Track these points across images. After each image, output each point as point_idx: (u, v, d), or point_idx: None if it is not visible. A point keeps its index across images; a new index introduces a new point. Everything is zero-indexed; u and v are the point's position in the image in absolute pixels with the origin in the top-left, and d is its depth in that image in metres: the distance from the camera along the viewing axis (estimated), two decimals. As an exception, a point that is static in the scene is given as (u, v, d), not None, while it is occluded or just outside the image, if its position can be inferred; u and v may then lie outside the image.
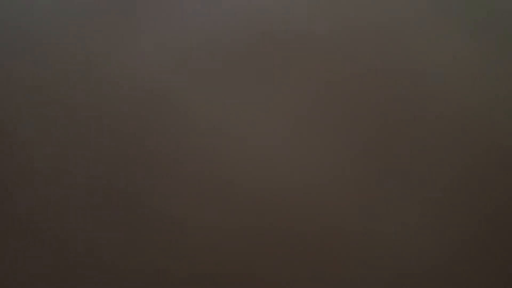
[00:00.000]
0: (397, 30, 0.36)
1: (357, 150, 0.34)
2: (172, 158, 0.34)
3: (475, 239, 0.33)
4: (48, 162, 0.34)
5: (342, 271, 0.32)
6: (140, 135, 0.34)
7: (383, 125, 0.34)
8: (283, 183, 0.33)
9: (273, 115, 0.34)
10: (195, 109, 0.34)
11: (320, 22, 0.36)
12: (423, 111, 0.34)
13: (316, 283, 0.32)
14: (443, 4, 0.36)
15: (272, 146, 0.34)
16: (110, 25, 0.36)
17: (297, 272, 0.32)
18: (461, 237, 0.33)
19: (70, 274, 0.32)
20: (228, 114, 0.34)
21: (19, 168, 0.34)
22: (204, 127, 0.34)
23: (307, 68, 0.35)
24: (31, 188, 0.33)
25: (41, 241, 0.33)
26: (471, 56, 0.35)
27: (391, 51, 0.35)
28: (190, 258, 0.32)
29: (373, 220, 0.33)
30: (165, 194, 0.33)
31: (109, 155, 0.34)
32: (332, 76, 0.35)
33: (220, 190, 0.33)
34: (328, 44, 0.35)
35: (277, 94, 0.35)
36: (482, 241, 0.33)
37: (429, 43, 0.35)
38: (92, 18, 0.36)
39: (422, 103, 0.35)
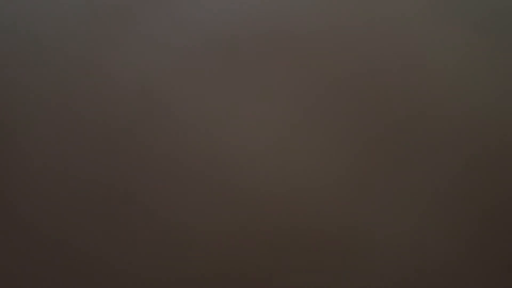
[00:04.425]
0: (399, 28, 0.36)
1: (358, 150, 0.34)
2: (172, 159, 0.34)
3: (477, 239, 0.33)
4: (48, 162, 0.34)
5: (343, 271, 0.32)
6: (139, 135, 0.34)
7: (385, 125, 0.34)
8: (284, 183, 0.33)
9: (273, 115, 0.34)
10: (196, 109, 0.34)
11: (320, 21, 0.36)
12: (425, 110, 0.34)
13: (317, 283, 0.32)
14: (446, 3, 0.36)
15: (272, 146, 0.34)
16: (109, 25, 0.36)
17: (298, 272, 0.32)
18: (462, 237, 0.33)
19: (70, 274, 0.32)
20: (227, 114, 0.34)
21: (19, 168, 0.34)
22: (204, 128, 0.34)
23: (307, 68, 0.35)
24: (31, 188, 0.33)
25: (41, 241, 0.33)
26: (474, 54, 0.35)
27: (392, 50, 0.35)
28: (190, 259, 0.32)
29: (374, 220, 0.33)
30: (164, 194, 0.33)
31: (109, 155, 0.34)
32: (333, 75, 0.35)
33: (219, 190, 0.33)
34: (329, 44, 0.35)
35: (277, 93, 0.35)
36: (484, 241, 0.33)
37: (431, 42, 0.35)
38: (91, 18, 0.36)
39: (423, 102, 0.35)
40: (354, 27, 0.36)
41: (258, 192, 0.33)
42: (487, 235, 0.33)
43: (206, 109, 0.34)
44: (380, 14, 0.36)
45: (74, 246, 0.33)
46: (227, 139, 0.34)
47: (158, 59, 0.35)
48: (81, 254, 0.33)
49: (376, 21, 0.36)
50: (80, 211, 0.33)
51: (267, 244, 0.33)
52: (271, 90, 0.35)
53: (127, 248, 0.33)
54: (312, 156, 0.34)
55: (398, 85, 0.35)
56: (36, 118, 0.34)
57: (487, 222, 0.33)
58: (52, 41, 0.36)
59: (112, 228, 0.33)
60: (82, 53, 0.35)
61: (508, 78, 0.35)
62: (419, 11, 0.36)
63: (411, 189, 0.33)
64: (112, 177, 0.33)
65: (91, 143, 0.34)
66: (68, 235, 0.33)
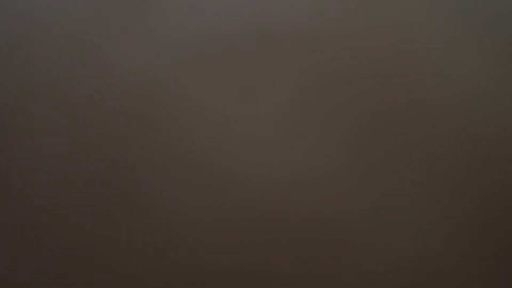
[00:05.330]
0: (399, 28, 0.36)
1: (358, 149, 0.34)
2: (172, 158, 0.34)
3: (476, 239, 0.33)
4: (48, 161, 0.34)
5: (343, 272, 0.32)
6: (139, 135, 0.34)
7: (384, 124, 0.34)
8: (285, 182, 0.33)
9: (273, 115, 0.34)
10: (196, 109, 0.34)
11: (321, 21, 0.36)
12: (424, 111, 0.34)
13: (317, 284, 0.32)
14: (446, 3, 0.36)
15: (272, 146, 0.34)
16: (110, 25, 0.36)
17: (298, 272, 0.32)
18: (462, 237, 0.33)
19: (70, 274, 0.32)
20: (229, 113, 0.34)
21: (19, 167, 0.34)
22: (205, 127, 0.34)
23: (307, 67, 0.35)
24: (32, 187, 0.33)
25: (41, 241, 0.33)
26: (473, 55, 0.35)
27: (392, 50, 0.35)
28: (190, 258, 0.32)
29: (373, 220, 0.33)
30: (164, 193, 0.33)
31: (109, 154, 0.34)
32: (334, 75, 0.35)
33: (219, 190, 0.33)
34: (328, 44, 0.35)
35: (278, 92, 0.35)
36: (484, 240, 0.33)
37: (431, 42, 0.35)
38: (92, 18, 0.36)
39: (423, 103, 0.35)
40: (354, 27, 0.36)
41: (259, 190, 0.33)
42: (487, 235, 0.33)
43: (207, 108, 0.34)
44: (380, 14, 0.36)
45: (75, 245, 0.33)
46: (228, 138, 0.34)
47: (159, 58, 0.35)
48: (82, 252, 0.32)
49: (376, 21, 0.36)
50: (80, 210, 0.33)
51: (267, 243, 0.33)
52: (272, 89, 0.35)
53: (128, 247, 0.33)
54: (313, 155, 0.34)
55: (398, 84, 0.35)
56: (37, 117, 0.34)
57: (487, 222, 0.33)
58: (53, 40, 0.35)
59: (113, 227, 0.33)
60: (83, 53, 0.35)
61: (508, 78, 0.35)
62: (419, 11, 0.36)
63: (411, 189, 0.33)
64: (113, 176, 0.33)
65: (92, 142, 0.34)
66: (69, 234, 0.33)
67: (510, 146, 0.34)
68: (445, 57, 0.35)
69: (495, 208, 0.33)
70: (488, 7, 0.36)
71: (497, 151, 0.34)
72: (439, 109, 0.34)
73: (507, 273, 0.33)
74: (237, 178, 0.33)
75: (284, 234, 0.33)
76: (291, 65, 0.35)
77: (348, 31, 0.35)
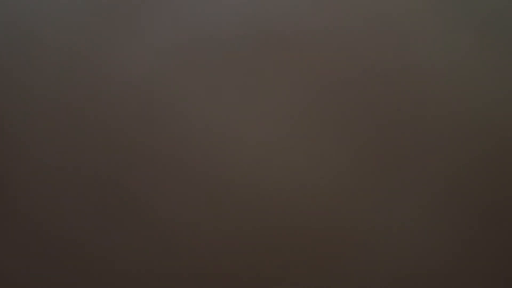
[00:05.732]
0: (398, 28, 0.36)
1: (357, 150, 0.34)
2: (172, 158, 0.34)
3: (477, 238, 0.33)
4: (48, 161, 0.34)
5: (343, 272, 0.32)
6: (139, 135, 0.34)
7: (384, 125, 0.34)
8: (284, 183, 0.33)
9: (274, 115, 0.34)
10: (195, 109, 0.34)
11: (321, 21, 0.36)
12: (424, 111, 0.34)
13: (317, 284, 0.32)
14: (446, 3, 0.36)
15: (272, 146, 0.34)
16: (110, 25, 0.36)
17: (298, 272, 0.32)
18: (463, 237, 0.33)
19: (70, 274, 0.32)
20: (228, 113, 0.34)
21: (18, 167, 0.34)
22: (204, 127, 0.34)
23: (307, 68, 0.35)
24: (31, 187, 0.33)
25: (41, 241, 0.33)
26: (473, 55, 0.35)
27: (391, 49, 0.35)
28: (190, 258, 0.32)
29: (373, 220, 0.33)
30: (164, 193, 0.33)
31: (108, 154, 0.34)
32: (333, 75, 0.35)
33: (219, 190, 0.33)
34: (328, 43, 0.35)
35: (277, 93, 0.35)
36: (484, 241, 0.33)
37: (431, 42, 0.35)
38: (91, 18, 0.36)
39: (423, 103, 0.35)
40: (354, 27, 0.36)
41: (259, 190, 0.33)
42: (487, 235, 0.33)
43: (207, 108, 0.34)
44: (380, 14, 0.36)
45: (75, 245, 0.33)
46: (228, 138, 0.34)
47: (159, 58, 0.35)
48: (82, 252, 0.33)
49: (376, 21, 0.36)
50: (80, 210, 0.33)
51: (268, 243, 0.33)
52: (272, 89, 0.35)
53: (127, 247, 0.33)
54: (313, 155, 0.34)
55: (398, 84, 0.35)
56: (37, 117, 0.34)
57: (487, 222, 0.33)
58: (53, 40, 0.36)
59: (112, 226, 0.33)
60: (83, 53, 0.35)
61: (508, 78, 0.35)
62: (419, 11, 0.36)
63: (411, 189, 0.33)
64: (113, 176, 0.33)
65: (92, 142, 0.34)
66: (69, 234, 0.33)
67: (510, 146, 0.34)
68: (445, 57, 0.35)
69: (495, 208, 0.33)
70: (488, 7, 0.36)
71: (497, 151, 0.34)
72: (439, 109, 0.34)
73: (507, 273, 0.33)
74: (237, 178, 0.33)
75: (284, 234, 0.33)
76: (291, 65, 0.35)
77: (348, 31, 0.35)
